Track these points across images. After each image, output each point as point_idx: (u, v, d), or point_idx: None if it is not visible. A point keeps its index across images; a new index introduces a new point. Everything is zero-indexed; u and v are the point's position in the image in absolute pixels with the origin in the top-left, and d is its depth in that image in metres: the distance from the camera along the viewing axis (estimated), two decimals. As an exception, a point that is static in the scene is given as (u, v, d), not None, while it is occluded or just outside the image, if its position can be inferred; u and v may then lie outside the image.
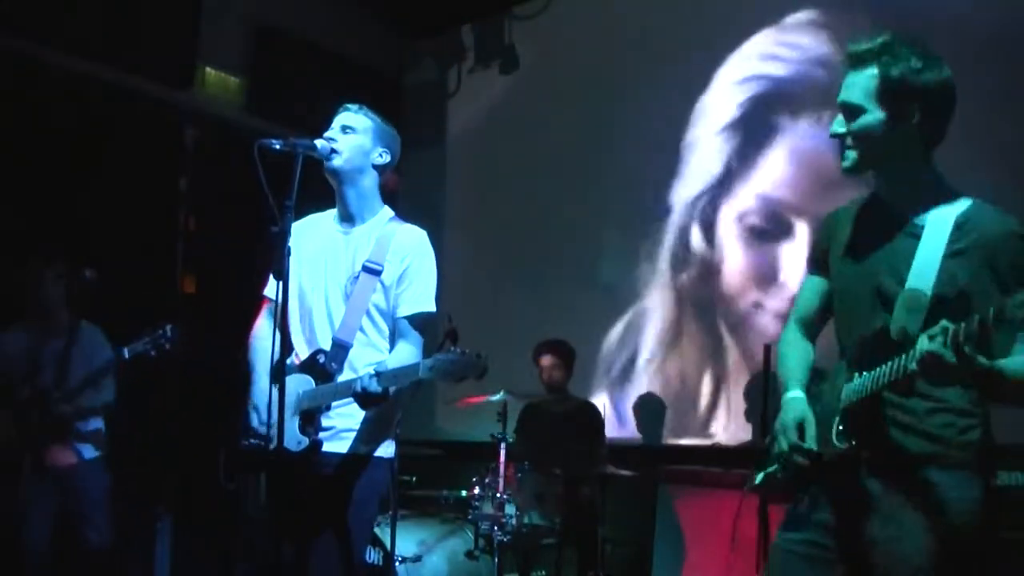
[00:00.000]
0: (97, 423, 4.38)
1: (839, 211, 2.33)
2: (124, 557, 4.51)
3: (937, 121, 2.08)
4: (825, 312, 2.34)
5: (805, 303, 2.38)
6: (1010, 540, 3.05)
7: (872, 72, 2.06)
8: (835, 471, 2.09)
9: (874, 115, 2.06)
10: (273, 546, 2.58)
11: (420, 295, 2.75)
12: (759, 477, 2.30)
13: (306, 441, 2.60)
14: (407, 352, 2.69)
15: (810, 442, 2.09)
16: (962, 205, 2.06)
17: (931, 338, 1.78)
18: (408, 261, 2.74)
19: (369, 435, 2.72)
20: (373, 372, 2.50)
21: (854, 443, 2.03)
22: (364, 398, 2.52)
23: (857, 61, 2.10)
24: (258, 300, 2.97)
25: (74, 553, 4.22)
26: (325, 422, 2.67)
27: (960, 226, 2.02)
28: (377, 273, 2.72)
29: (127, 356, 4.12)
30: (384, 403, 2.57)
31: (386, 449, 2.79)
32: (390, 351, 2.75)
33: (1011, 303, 1.66)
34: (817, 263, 2.34)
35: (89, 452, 4.32)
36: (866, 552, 2.03)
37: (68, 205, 4.98)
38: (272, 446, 2.53)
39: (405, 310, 2.74)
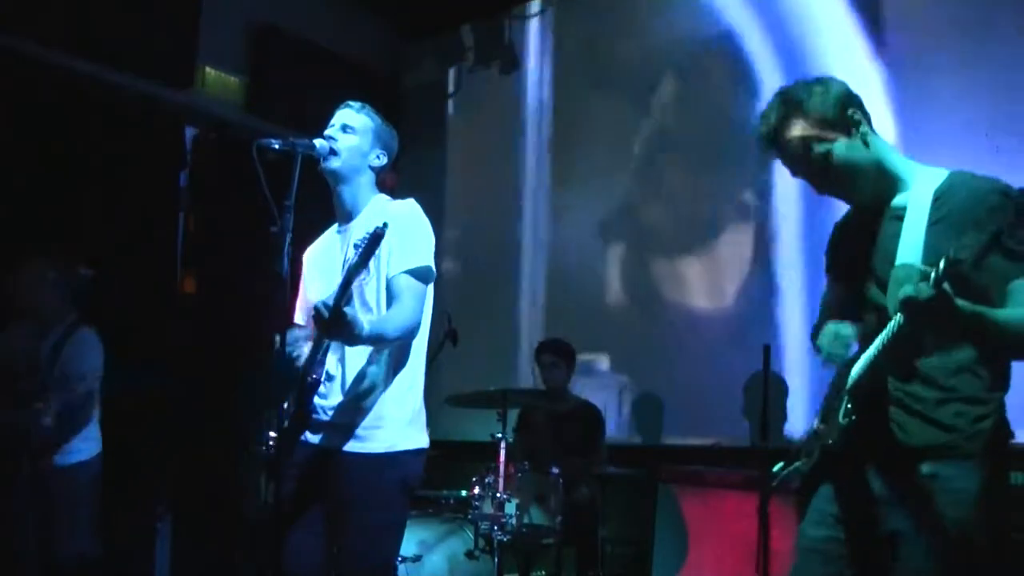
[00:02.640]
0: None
1: (844, 216, 2.39)
2: (124, 558, 4.50)
3: (863, 114, 2.15)
4: (843, 316, 2.36)
5: (826, 308, 2.43)
6: (1012, 541, 3.05)
7: (799, 129, 2.11)
8: (848, 466, 2.12)
9: (839, 147, 2.11)
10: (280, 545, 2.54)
11: (413, 252, 2.67)
12: (778, 466, 2.34)
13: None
14: (398, 310, 2.62)
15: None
16: (940, 178, 2.11)
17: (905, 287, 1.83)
18: (398, 223, 2.61)
19: (390, 429, 2.70)
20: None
21: (854, 417, 2.06)
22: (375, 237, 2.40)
23: (779, 133, 2.15)
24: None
25: (61, 562, 4.11)
26: (340, 419, 2.65)
27: (939, 197, 2.07)
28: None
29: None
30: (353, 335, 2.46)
31: (411, 440, 2.77)
32: None
33: (956, 245, 1.72)
34: (831, 269, 2.41)
35: (61, 459, 4.09)
36: (882, 547, 2.04)
37: (68, 205, 4.98)
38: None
39: (396, 268, 2.66)
